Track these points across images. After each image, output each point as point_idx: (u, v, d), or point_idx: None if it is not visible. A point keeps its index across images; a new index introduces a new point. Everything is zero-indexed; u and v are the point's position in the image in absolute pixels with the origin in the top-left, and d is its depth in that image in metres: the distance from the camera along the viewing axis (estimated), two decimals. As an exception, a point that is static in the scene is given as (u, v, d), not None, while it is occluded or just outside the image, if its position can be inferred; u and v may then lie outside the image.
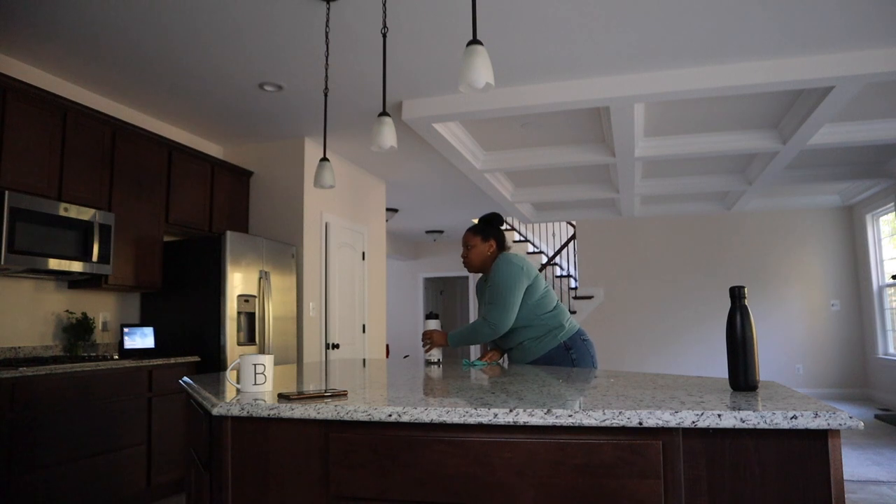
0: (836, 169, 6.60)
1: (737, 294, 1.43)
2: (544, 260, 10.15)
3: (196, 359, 4.10)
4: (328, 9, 3.13)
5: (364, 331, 6.16)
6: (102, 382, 3.43)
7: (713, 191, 7.28)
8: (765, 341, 7.98)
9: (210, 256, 4.31)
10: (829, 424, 1.08)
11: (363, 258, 6.22)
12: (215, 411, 1.39)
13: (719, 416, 1.12)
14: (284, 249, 4.92)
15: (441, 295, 13.34)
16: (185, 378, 2.00)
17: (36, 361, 3.31)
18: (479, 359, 2.68)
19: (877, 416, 6.38)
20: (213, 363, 4.16)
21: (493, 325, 2.57)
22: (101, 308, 4.18)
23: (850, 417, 1.08)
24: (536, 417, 1.19)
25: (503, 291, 2.57)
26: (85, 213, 3.62)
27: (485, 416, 1.21)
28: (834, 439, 1.10)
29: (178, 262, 4.41)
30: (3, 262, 3.14)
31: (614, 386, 1.60)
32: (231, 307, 4.24)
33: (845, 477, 4.04)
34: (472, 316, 11.39)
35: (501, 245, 2.78)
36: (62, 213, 3.48)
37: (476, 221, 2.83)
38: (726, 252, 8.41)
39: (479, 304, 2.83)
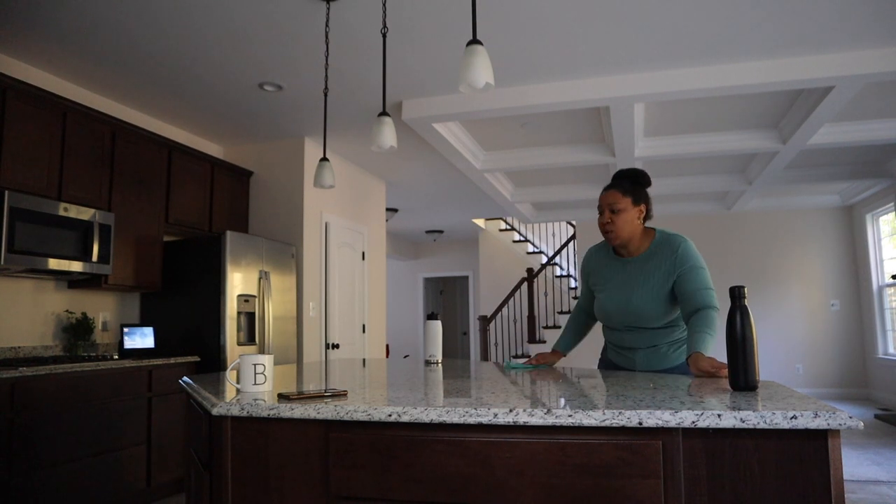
0: (836, 169, 6.60)
1: (737, 294, 1.43)
2: (544, 260, 10.15)
3: (196, 359, 4.10)
4: (328, 9, 3.13)
5: (364, 331, 6.16)
6: (102, 382, 3.43)
7: (713, 191, 7.28)
8: (765, 341, 7.98)
9: (210, 256, 4.31)
10: (828, 424, 1.08)
11: (363, 258, 6.22)
12: (215, 411, 1.39)
13: (719, 416, 1.12)
14: (284, 249, 4.92)
15: (441, 295, 13.34)
16: (185, 378, 2.00)
17: (36, 361, 3.31)
18: (527, 362, 2.33)
19: (877, 416, 6.38)
20: (213, 363, 4.16)
21: (718, 308, 2.03)
22: (100, 308, 4.18)
23: (850, 417, 1.08)
24: (536, 417, 1.19)
25: (707, 274, 2.08)
26: (85, 213, 3.62)
27: (485, 415, 1.21)
28: (834, 439, 1.10)
29: (178, 262, 4.41)
30: (3, 262, 3.14)
31: (614, 386, 1.60)
32: (231, 307, 4.24)
33: (845, 477, 4.04)
34: (473, 315, 11.38)
35: (650, 211, 2.18)
36: (62, 213, 3.48)
37: (615, 175, 2.22)
38: (726, 252, 8.41)
39: (584, 288, 2.38)
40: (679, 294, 2.06)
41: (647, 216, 2.16)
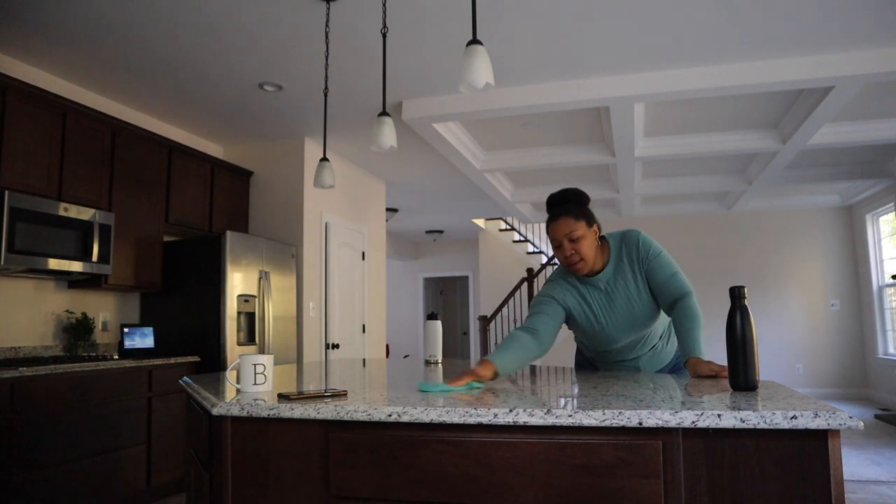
0: (836, 169, 6.60)
1: (737, 294, 1.43)
2: (544, 260, 10.15)
3: (196, 359, 4.10)
4: (328, 9, 3.13)
5: (364, 331, 6.16)
6: (102, 382, 3.43)
7: (713, 191, 7.28)
8: (765, 341, 7.98)
9: (210, 256, 4.31)
10: (829, 424, 1.08)
11: (363, 258, 6.22)
12: (215, 411, 1.39)
13: (719, 416, 1.11)
14: (284, 249, 4.92)
15: (441, 295, 13.33)
16: (185, 378, 2.00)
17: (36, 361, 3.31)
18: (452, 382, 1.60)
19: (877, 416, 6.38)
20: (213, 363, 4.16)
21: (693, 291, 1.97)
22: (101, 308, 4.18)
23: (850, 417, 1.08)
24: (536, 417, 1.19)
25: (671, 258, 2.02)
26: (85, 213, 3.62)
27: (485, 415, 1.21)
28: (834, 439, 1.10)
29: (178, 262, 4.41)
30: (3, 262, 3.14)
31: (614, 386, 1.60)
32: (231, 307, 4.24)
33: (845, 477, 4.04)
34: (473, 315, 11.38)
35: (601, 228, 2.06)
36: (62, 213, 3.48)
37: (552, 202, 2.05)
38: (726, 252, 8.41)
39: (542, 312, 2.00)
40: (653, 286, 1.99)
41: (600, 234, 2.04)
